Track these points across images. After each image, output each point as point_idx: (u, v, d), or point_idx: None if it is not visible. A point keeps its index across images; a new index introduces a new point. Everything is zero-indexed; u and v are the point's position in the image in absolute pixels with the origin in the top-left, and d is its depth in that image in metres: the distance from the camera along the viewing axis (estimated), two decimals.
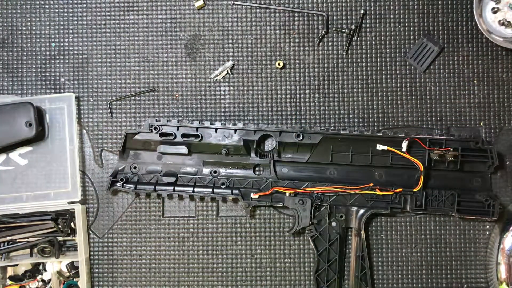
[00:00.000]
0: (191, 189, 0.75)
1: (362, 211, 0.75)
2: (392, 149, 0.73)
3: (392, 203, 0.74)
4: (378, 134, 0.74)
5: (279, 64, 0.78)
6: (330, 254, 0.74)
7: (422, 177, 0.73)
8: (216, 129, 0.75)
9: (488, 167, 0.75)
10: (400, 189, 0.74)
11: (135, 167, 0.77)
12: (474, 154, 0.74)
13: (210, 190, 0.75)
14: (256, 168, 0.77)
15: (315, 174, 0.76)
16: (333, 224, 0.75)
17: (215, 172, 0.76)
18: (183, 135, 0.75)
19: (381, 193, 0.73)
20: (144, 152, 0.77)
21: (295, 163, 0.76)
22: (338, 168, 0.76)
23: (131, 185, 0.76)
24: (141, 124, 0.78)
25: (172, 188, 0.75)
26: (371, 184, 0.74)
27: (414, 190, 0.74)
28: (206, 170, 0.77)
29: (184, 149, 0.75)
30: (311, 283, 0.77)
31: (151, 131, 0.75)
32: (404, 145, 0.73)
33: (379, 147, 0.73)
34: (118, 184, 0.76)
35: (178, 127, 0.75)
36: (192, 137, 0.75)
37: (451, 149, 0.73)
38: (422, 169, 0.73)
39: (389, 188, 0.74)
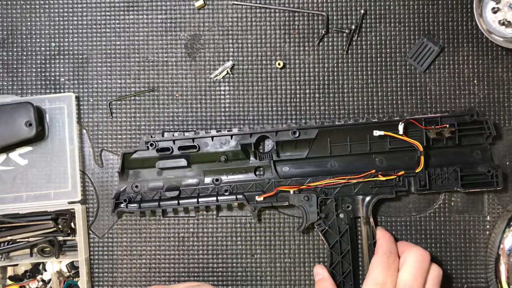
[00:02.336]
0: (195, 200, 0.75)
1: (368, 198, 0.75)
2: (389, 133, 0.73)
3: (397, 186, 0.74)
4: (374, 120, 0.75)
5: (279, 64, 0.78)
6: (342, 246, 0.74)
7: (422, 157, 0.73)
8: (212, 137, 0.75)
9: (486, 138, 0.75)
10: (402, 172, 0.73)
11: (136, 186, 0.76)
12: (470, 127, 0.74)
13: (214, 198, 0.75)
14: (257, 171, 0.77)
15: (317, 169, 0.76)
16: (341, 215, 0.74)
17: (217, 180, 0.76)
18: (180, 148, 0.75)
19: (384, 178, 0.73)
20: (144, 169, 0.77)
21: (295, 160, 0.76)
22: (338, 159, 0.76)
23: (135, 205, 0.75)
24: (141, 125, 0.78)
25: (176, 202, 0.75)
26: (373, 171, 0.73)
27: (416, 171, 0.73)
28: (207, 180, 0.76)
29: (183, 162, 0.75)
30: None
31: (148, 148, 0.75)
32: (401, 127, 0.73)
33: (376, 133, 0.73)
34: (122, 205, 0.75)
35: (174, 141, 0.75)
36: (190, 149, 0.75)
37: (447, 126, 0.73)
38: (422, 149, 0.73)
39: (391, 172, 0.74)
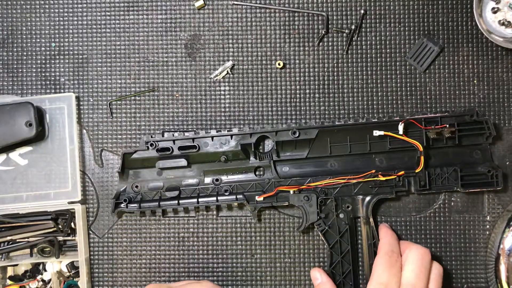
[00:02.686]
0: (195, 200, 0.75)
1: (368, 198, 0.75)
2: (389, 133, 0.73)
3: (396, 186, 0.74)
4: (374, 120, 0.75)
5: (279, 64, 0.78)
6: (342, 246, 0.74)
7: (422, 157, 0.73)
8: (212, 137, 0.75)
9: (486, 138, 0.75)
10: (402, 172, 0.74)
11: (136, 186, 0.76)
12: (470, 127, 0.74)
13: (214, 198, 0.75)
14: (257, 171, 0.77)
15: (316, 169, 0.76)
16: (341, 215, 0.75)
17: (216, 180, 0.76)
18: (180, 148, 0.75)
19: (384, 178, 0.73)
20: (144, 169, 0.77)
21: (295, 160, 0.76)
22: (338, 159, 0.76)
23: (135, 205, 0.75)
24: (141, 125, 0.78)
25: (176, 202, 0.75)
26: (373, 171, 0.73)
27: (416, 171, 0.73)
28: (207, 180, 0.76)
29: (183, 162, 0.75)
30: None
31: (148, 148, 0.75)
32: (401, 127, 0.73)
33: (376, 133, 0.73)
34: (122, 205, 0.75)
35: (174, 141, 0.75)
36: (190, 149, 0.75)
37: (447, 126, 0.73)
38: (422, 149, 0.73)
39: (391, 172, 0.74)
